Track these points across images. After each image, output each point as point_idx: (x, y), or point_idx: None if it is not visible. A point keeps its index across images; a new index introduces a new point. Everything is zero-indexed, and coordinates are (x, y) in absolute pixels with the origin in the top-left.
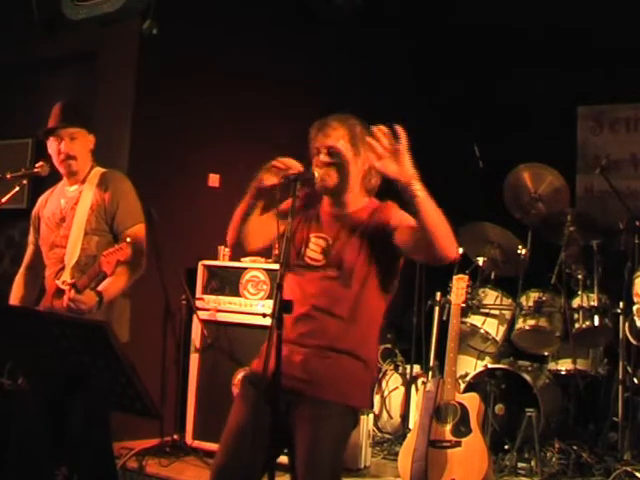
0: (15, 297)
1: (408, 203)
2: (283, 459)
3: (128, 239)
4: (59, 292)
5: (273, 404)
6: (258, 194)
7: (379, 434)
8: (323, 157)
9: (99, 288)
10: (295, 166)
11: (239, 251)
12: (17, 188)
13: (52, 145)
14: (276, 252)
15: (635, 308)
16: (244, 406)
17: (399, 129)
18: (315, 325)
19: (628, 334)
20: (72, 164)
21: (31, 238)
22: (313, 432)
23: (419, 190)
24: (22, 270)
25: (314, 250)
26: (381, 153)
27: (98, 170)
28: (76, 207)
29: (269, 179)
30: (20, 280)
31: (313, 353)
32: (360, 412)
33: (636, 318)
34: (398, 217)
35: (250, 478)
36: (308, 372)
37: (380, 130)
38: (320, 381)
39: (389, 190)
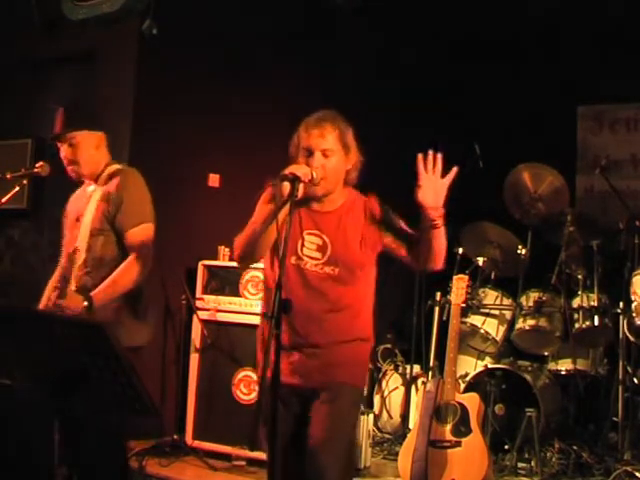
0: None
1: (423, 227)
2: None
3: (85, 303)
4: (58, 289)
5: (272, 403)
6: (275, 214)
7: (379, 434)
8: (318, 159)
9: (93, 292)
10: (302, 170)
11: (247, 263)
12: (17, 188)
13: (60, 150)
14: None
15: (633, 306)
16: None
17: (454, 169)
18: (323, 324)
19: (627, 332)
20: (75, 169)
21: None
22: (330, 412)
23: (440, 222)
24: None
25: (310, 248)
26: (426, 179)
27: (111, 167)
28: (87, 207)
29: (286, 188)
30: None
31: (326, 351)
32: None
33: (634, 315)
34: (391, 223)
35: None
36: (325, 373)
37: (434, 156)
38: (336, 370)
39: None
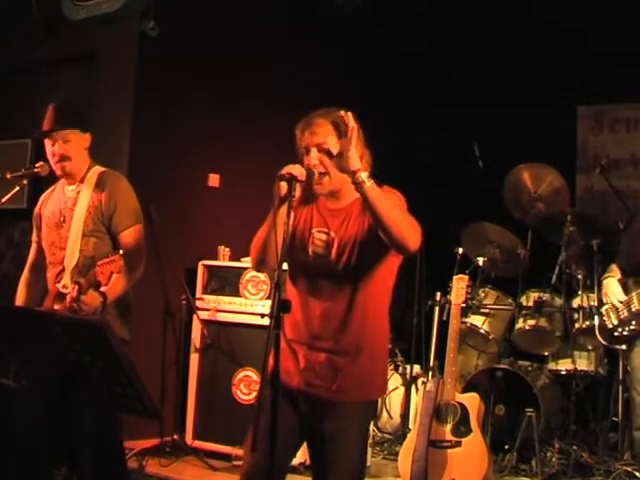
0: (19, 299)
1: (358, 192)
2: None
3: (120, 251)
4: (60, 296)
5: (272, 403)
6: (275, 214)
7: (379, 434)
8: (314, 155)
9: (102, 289)
10: (298, 169)
11: (262, 269)
12: (17, 188)
13: (48, 147)
14: None
15: (604, 309)
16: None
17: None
18: (329, 326)
19: (598, 335)
20: (66, 165)
21: (34, 237)
22: (338, 430)
23: (366, 179)
24: (26, 271)
25: (318, 245)
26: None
27: (97, 170)
28: (74, 208)
29: (283, 188)
30: (24, 281)
31: (331, 357)
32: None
33: (605, 319)
34: None
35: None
36: (329, 379)
37: (346, 115)
38: (342, 387)
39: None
